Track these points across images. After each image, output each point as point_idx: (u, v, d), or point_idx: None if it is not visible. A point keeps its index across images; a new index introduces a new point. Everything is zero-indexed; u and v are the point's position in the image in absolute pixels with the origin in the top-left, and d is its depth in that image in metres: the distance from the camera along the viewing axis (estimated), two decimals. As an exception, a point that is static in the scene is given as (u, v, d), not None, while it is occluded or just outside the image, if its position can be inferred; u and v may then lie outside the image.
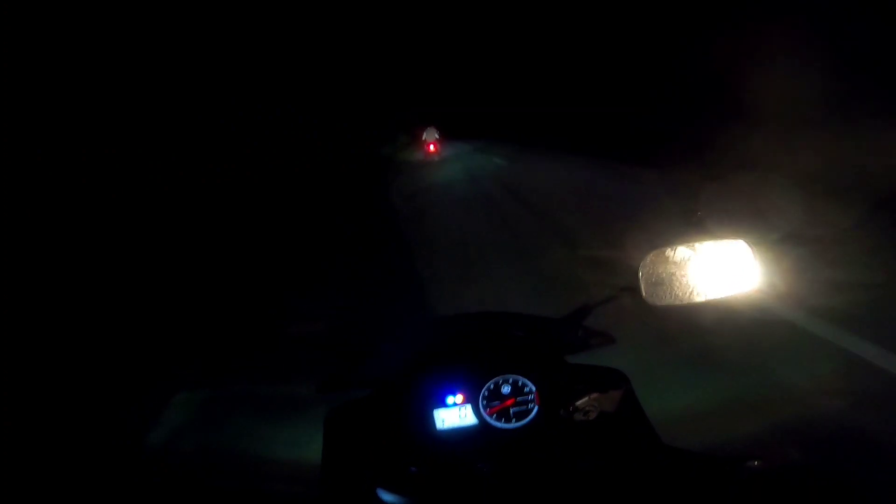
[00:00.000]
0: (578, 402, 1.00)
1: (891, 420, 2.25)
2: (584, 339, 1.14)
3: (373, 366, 1.11)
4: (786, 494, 0.78)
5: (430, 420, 0.98)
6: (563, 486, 0.88)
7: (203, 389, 2.83)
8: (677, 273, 1.03)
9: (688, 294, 1.03)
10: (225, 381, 2.88)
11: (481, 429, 0.98)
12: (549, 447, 0.95)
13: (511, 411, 0.99)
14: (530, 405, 0.99)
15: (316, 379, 1.07)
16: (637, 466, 0.90)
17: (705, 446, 2.13)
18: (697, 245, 1.03)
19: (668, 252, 1.04)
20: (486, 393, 1.00)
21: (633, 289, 1.04)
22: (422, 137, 16.05)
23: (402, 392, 1.03)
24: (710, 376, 2.67)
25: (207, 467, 2.18)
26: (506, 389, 1.01)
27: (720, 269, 1.03)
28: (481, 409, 0.99)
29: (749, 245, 1.04)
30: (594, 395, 1.02)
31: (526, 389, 1.00)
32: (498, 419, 0.98)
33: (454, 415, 0.99)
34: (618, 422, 1.00)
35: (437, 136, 15.92)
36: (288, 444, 2.12)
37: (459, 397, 1.00)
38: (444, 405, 1.00)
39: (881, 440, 2.11)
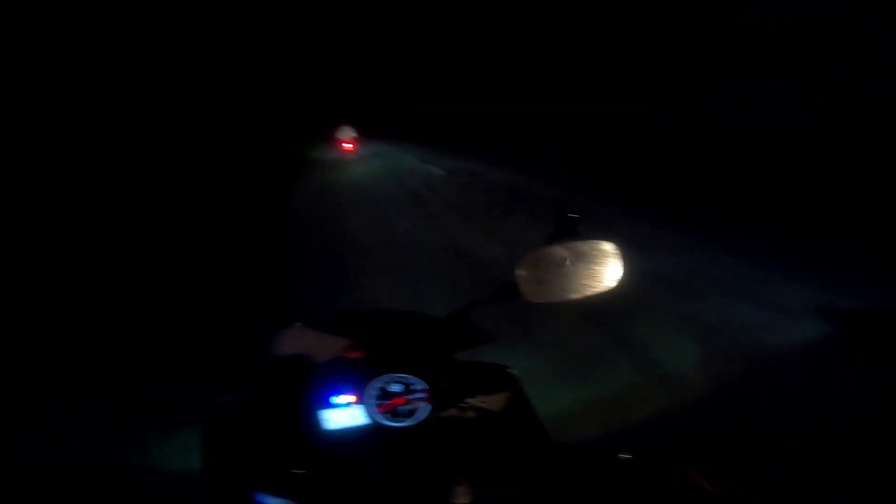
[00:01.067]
0: (469, 400, 1.01)
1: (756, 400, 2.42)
2: (471, 337, 1.16)
3: (255, 365, 1.09)
4: (659, 485, 0.81)
5: (317, 421, 0.97)
6: (450, 483, 0.88)
7: (77, 398, 2.69)
8: (554, 272, 1.13)
9: (564, 291, 1.13)
10: (99, 388, 2.75)
11: (371, 428, 0.97)
12: (440, 446, 0.95)
13: (401, 409, 0.99)
14: (421, 403, 0.98)
15: (197, 380, 1.04)
16: (524, 462, 0.91)
17: (593, 438, 2.21)
18: (571, 245, 1.14)
19: (545, 252, 1.13)
20: (376, 392, 1.00)
21: (515, 288, 1.10)
22: (335, 136, 15.68)
23: (287, 392, 1.02)
24: (596, 370, 2.79)
25: (83, 480, 2.10)
26: (396, 388, 1.00)
27: (592, 268, 1.15)
28: (370, 409, 0.98)
29: (616, 245, 1.15)
30: (484, 392, 1.03)
31: (416, 388, 1.00)
32: (388, 418, 0.98)
33: (343, 415, 0.98)
34: (507, 418, 1.01)
35: (353, 134, 15.51)
36: (169, 453, 2.06)
37: (348, 397, 0.99)
38: (333, 405, 0.99)
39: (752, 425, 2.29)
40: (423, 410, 0.98)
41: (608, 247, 1.15)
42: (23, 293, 4.48)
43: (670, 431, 2.31)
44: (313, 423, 0.97)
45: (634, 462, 0.83)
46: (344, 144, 15.20)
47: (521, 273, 1.10)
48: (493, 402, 1.02)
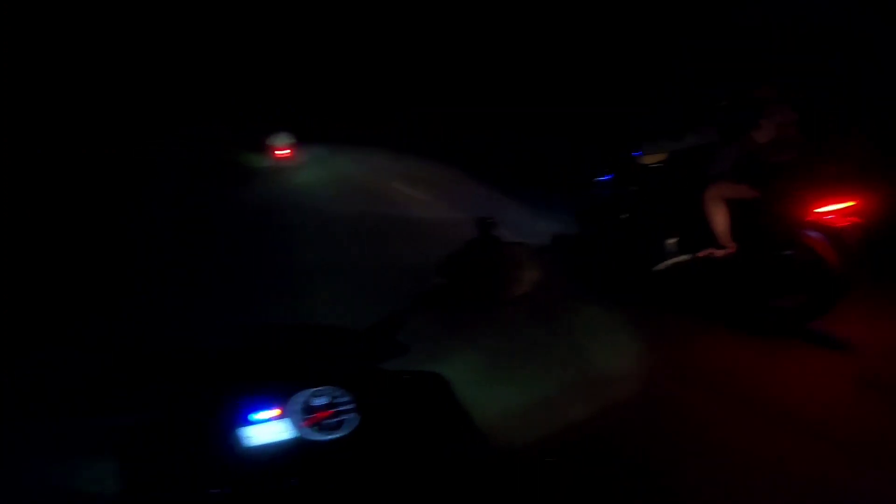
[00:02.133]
0: (400, 408, 1.01)
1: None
2: (398, 345, 1.16)
3: (169, 380, 1.07)
4: (581, 486, 0.82)
5: (236, 438, 0.96)
6: (382, 492, 0.87)
7: None
8: (474, 275, 1.12)
9: (486, 293, 1.14)
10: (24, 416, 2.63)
11: (297, 442, 0.96)
12: (372, 454, 0.94)
13: (329, 422, 0.97)
14: (349, 415, 0.97)
15: (107, 399, 1.02)
16: (455, 466, 0.91)
17: (529, 440, 2.21)
18: (489, 248, 1.10)
19: (463, 255, 1.10)
20: (301, 406, 0.98)
21: (438, 293, 1.08)
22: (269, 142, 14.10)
23: (207, 408, 1.00)
24: (531, 370, 2.86)
25: None
26: (322, 401, 1.01)
27: (509, 271, 1.14)
28: (295, 423, 0.97)
29: (530, 249, 1.09)
30: (415, 400, 1.03)
31: (343, 400, 0.99)
32: (316, 431, 0.96)
33: (266, 430, 0.97)
34: (439, 424, 1.01)
35: (289, 140, 14.11)
36: (81, 473, 1.95)
37: (272, 412, 0.98)
38: (254, 421, 0.97)
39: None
40: (351, 422, 0.96)
41: (523, 248, 1.12)
42: None
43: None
44: (231, 440, 0.94)
45: (561, 464, 0.83)
46: (277, 152, 14.04)
47: (440, 278, 1.07)
48: (425, 409, 1.01)
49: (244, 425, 0.95)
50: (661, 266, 3.80)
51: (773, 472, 2.09)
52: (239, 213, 8.03)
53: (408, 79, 17.84)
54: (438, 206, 7.48)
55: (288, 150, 14.13)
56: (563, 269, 3.96)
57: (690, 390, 2.72)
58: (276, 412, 0.96)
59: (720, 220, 3.61)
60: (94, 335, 3.43)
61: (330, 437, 0.95)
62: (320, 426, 0.96)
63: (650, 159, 4.07)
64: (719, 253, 3.63)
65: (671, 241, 3.88)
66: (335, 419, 0.97)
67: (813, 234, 3.29)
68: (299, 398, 0.98)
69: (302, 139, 14.09)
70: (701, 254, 3.72)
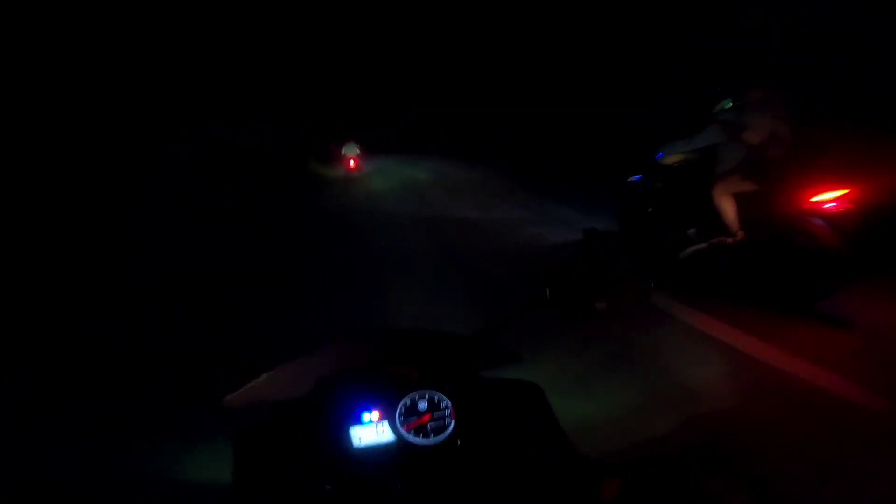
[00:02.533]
0: (494, 416, 1.01)
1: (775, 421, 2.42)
2: (497, 354, 1.15)
3: (284, 383, 1.08)
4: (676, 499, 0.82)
5: (346, 438, 0.96)
6: (478, 501, 0.88)
7: (104, 408, 2.62)
8: (581, 285, 1.09)
9: (594, 306, 1.09)
10: (128, 401, 2.69)
11: (398, 445, 0.97)
12: (466, 462, 0.95)
13: (428, 427, 0.98)
14: (447, 420, 0.98)
15: (225, 398, 1.04)
16: (548, 478, 0.91)
17: (620, 450, 2.23)
18: (594, 261, 1.13)
19: (571, 264, 1.11)
20: (403, 409, 0.99)
21: (543, 303, 1.09)
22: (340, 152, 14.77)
23: (316, 410, 1.01)
24: (622, 382, 2.81)
25: (112, 491, 2.04)
26: (422, 405, 1.00)
27: (620, 285, 1.12)
28: (398, 426, 0.98)
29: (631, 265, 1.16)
30: (509, 409, 1.04)
31: (442, 405, 1.00)
32: (415, 435, 0.97)
33: (370, 432, 0.98)
34: (533, 434, 1.01)
35: (357, 150, 14.75)
36: (197, 466, 1.99)
37: (375, 414, 0.99)
38: (360, 422, 0.99)
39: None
40: (450, 427, 0.98)
41: (629, 263, 1.15)
42: (27, 293, 4.48)
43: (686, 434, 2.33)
44: (342, 440, 0.97)
45: (655, 471, 0.83)
46: (350, 162, 14.63)
47: (545, 289, 1.09)
48: (519, 417, 1.03)
49: (353, 424, 0.97)
50: (685, 253, 4.25)
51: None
52: (323, 221, 7.80)
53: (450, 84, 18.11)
54: (505, 210, 7.89)
55: (355, 160, 14.47)
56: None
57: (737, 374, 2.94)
58: (377, 414, 0.98)
59: (729, 211, 3.98)
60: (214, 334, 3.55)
61: (430, 441, 0.96)
62: (421, 430, 0.97)
63: (670, 160, 4.55)
64: (730, 240, 4.02)
65: (692, 230, 4.30)
66: (435, 423, 0.98)
67: (814, 220, 3.57)
68: (403, 401, 1.00)
69: (368, 148, 14.38)
70: (714, 241, 4.10)
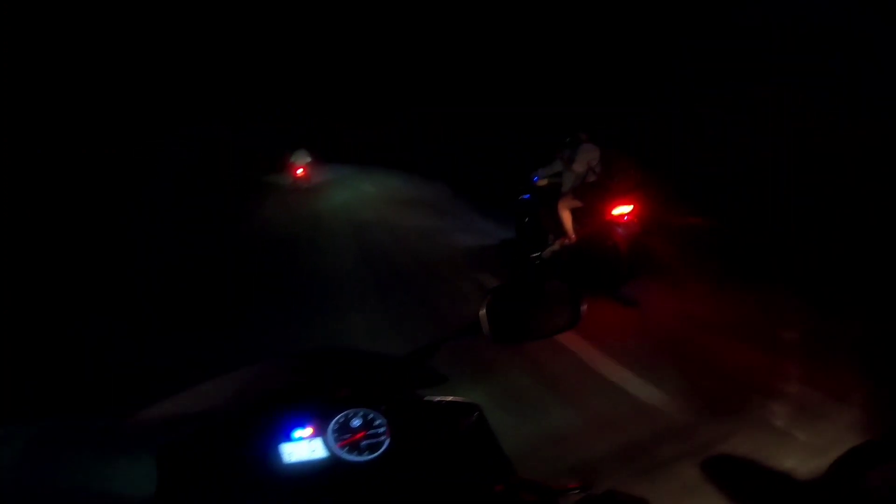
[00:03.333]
0: (431, 435, 1.01)
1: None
2: (433, 374, 1.16)
3: (212, 398, 1.07)
4: None
5: (276, 454, 0.95)
6: None
7: (24, 422, 2.60)
8: (518, 311, 1.14)
9: (530, 331, 1.15)
10: (48, 413, 2.64)
11: (331, 462, 0.96)
12: (400, 479, 0.94)
13: (361, 444, 0.98)
14: (381, 437, 0.98)
15: (151, 410, 1.03)
16: (486, 499, 0.91)
17: (559, 471, 2.25)
18: (534, 284, 1.18)
19: (509, 290, 1.14)
20: (336, 426, 0.99)
21: (477, 327, 1.12)
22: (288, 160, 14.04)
23: (246, 425, 1.00)
24: (561, 402, 2.94)
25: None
26: (356, 423, 1.00)
27: (554, 307, 1.16)
28: (331, 442, 0.97)
29: (574, 286, 1.18)
30: (447, 427, 1.03)
31: (377, 423, 1.00)
32: (349, 452, 0.97)
33: (302, 448, 0.97)
34: (471, 452, 1.01)
35: (308, 159, 13.88)
36: (118, 480, 1.94)
37: (308, 430, 0.99)
38: (291, 439, 0.98)
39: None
40: (384, 445, 0.97)
41: (566, 286, 1.18)
42: None
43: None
44: (272, 456, 0.96)
45: (591, 497, 0.83)
46: (297, 171, 13.80)
47: (482, 312, 1.10)
48: (455, 436, 1.03)
49: (283, 441, 0.96)
50: (547, 252, 5.75)
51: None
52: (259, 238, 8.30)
53: (408, 82, 17.85)
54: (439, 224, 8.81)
55: (304, 169, 13.65)
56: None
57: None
58: (310, 430, 0.97)
59: (567, 221, 5.47)
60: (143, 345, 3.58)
61: (363, 458, 0.95)
62: (354, 447, 0.97)
63: (541, 182, 6.04)
64: (567, 242, 5.53)
65: (550, 236, 5.79)
66: (369, 441, 0.97)
67: (615, 228, 4.96)
68: (337, 418, 0.99)
69: (318, 157, 13.85)
70: (557, 243, 5.65)
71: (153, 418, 1.03)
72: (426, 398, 1.09)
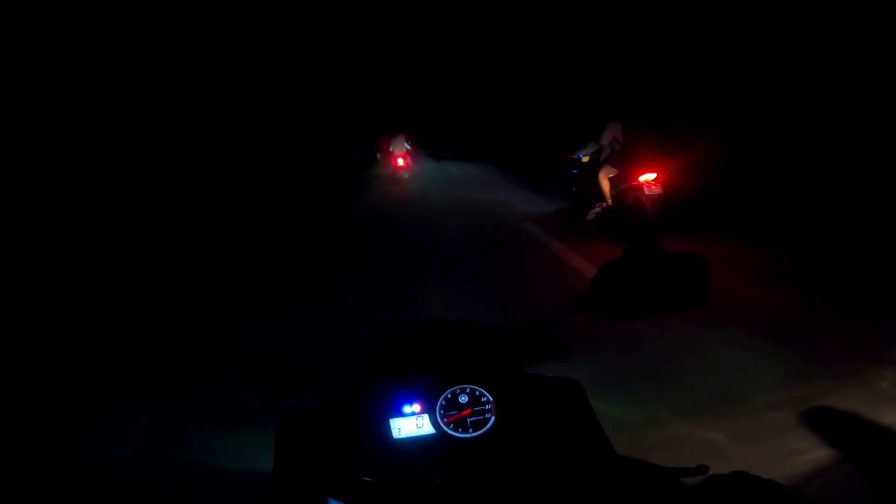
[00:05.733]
0: (534, 413, 1.01)
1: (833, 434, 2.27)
2: (541, 350, 1.15)
3: (327, 375, 1.10)
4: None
5: (386, 429, 0.98)
6: (516, 495, 0.88)
7: (147, 398, 2.64)
8: (632, 287, 1.00)
9: (643, 308, 1.04)
10: (170, 390, 2.72)
11: (438, 438, 0.98)
12: (506, 457, 0.95)
13: (468, 421, 0.99)
14: (487, 415, 0.99)
15: (268, 387, 1.06)
16: (588, 476, 0.91)
17: (658, 452, 2.20)
18: (651, 257, 1.01)
19: (622, 264, 1.00)
20: (444, 402, 1.01)
21: (589, 301, 1.03)
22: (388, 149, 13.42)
23: (357, 401, 1.03)
24: (664, 385, 2.75)
25: (152, 478, 2.02)
26: (463, 399, 1.01)
27: (675, 283, 1.01)
28: (438, 419, 0.99)
29: (700, 259, 1.02)
30: (550, 406, 1.03)
31: (483, 399, 1.01)
32: (455, 429, 0.98)
33: (411, 424, 1.00)
34: (572, 431, 1.01)
35: (406, 146, 13.23)
36: (238, 454, 1.93)
37: (416, 406, 1.01)
38: (401, 414, 1.00)
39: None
40: (490, 422, 0.99)
41: (696, 259, 1.03)
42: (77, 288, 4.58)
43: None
44: (382, 431, 0.99)
45: (718, 477, 0.79)
46: (398, 160, 13.00)
47: (595, 287, 1.01)
48: (558, 414, 1.04)
49: (393, 416, 0.98)
50: (591, 215, 6.93)
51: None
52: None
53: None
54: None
55: (404, 158, 12.89)
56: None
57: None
58: (419, 407, 0.99)
59: (605, 187, 6.64)
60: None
61: (469, 435, 0.97)
62: (460, 424, 0.98)
63: (584, 159, 7.25)
64: (606, 205, 6.70)
65: (592, 201, 6.96)
66: (475, 418, 0.99)
67: (641, 193, 5.96)
68: (445, 395, 1.01)
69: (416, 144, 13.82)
70: (598, 206, 6.82)
71: (270, 394, 1.08)
72: (531, 375, 1.10)
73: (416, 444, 0.98)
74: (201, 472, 1.96)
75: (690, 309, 1.02)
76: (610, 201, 6.58)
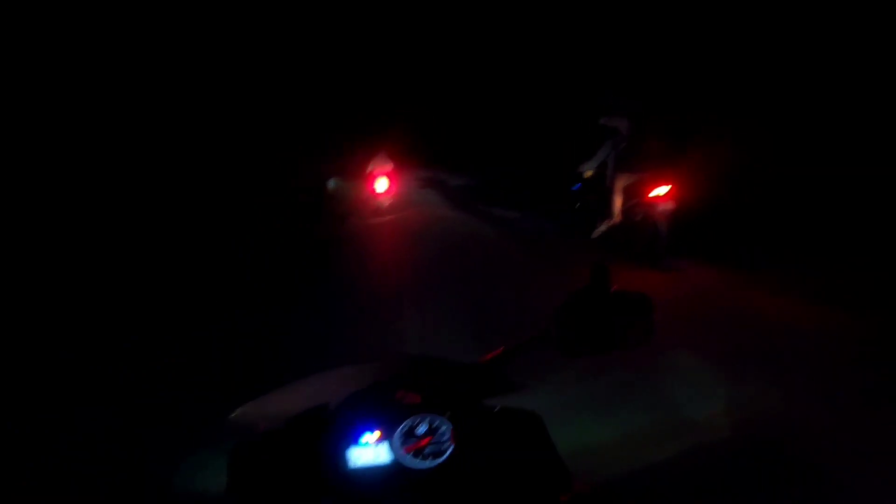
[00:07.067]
0: (493, 443, 1.03)
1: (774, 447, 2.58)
2: (500, 382, 1.18)
3: (287, 402, 1.10)
4: None
5: (344, 457, 0.99)
6: None
7: (102, 409, 2.69)
8: (590, 323, 1.13)
9: (595, 345, 1.15)
10: (123, 405, 2.75)
11: (396, 467, 0.98)
12: (464, 486, 0.97)
13: (426, 450, 1.00)
14: (445, 445, 1.00)
15: (225, 411, 1.07)
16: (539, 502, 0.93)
17: (618, 478, 2.31)
18: (603, 296, 1.14)
19: (580, 299, 1.14)
20: (402, 432, 1.01)
21: (549, 336, 1.14)
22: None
23: (315, 428, 1.04)
24: (621, 412, 2.92)
25: (101, 486, 2.07)
26: (421, 429, 1.02)
27: (624, 322, 1.15)
28: (396, 448, 1.00)
29: (646, 297, 1.16)
30: (508, 436, 1.06)
31: (442, 429, 1.02)
32: (414, 458, 0.99)
33: (369, 453, 1.00)
34: (530, 461, 1.03)
35: (389, 164, 9.08)
36: (190, 477, 2.02)
37: (375, 435, 1.02)
38: (359, 443, 1.01)
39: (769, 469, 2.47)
40: (448, 451, 0.99)
41: (640, 297, 1.16)
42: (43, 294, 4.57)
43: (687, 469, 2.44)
44: (340, 459, 0.99)
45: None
46: (377, 182, 8.80)
47: (553, 324, 1.12)
48: (517, 445, 1.05)
49: (351, 445, 0.99)
50: (596, 233, 6.41)
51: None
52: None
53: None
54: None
55: (385, 181, 8.81)
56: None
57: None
58: (377, 435, 1.00)
59: (616, 201, 6.07)
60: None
61: (427, 464, 0.98)
62: (419, 453, 0.99)
63: (588, 173, 6.65)
64: (614, 222, 6.17)
65: (598, 218, 6.43)
66: (433, 448, 1.00)
67: (653, 208, 5.54)
68: (403, 424, 1.02)
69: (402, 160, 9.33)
70: (605, 225, 6.29)
71: (228, 421, 1.08)
72: (490, 405, 1.12)
73: (373, 474, 0.97)
74: (155, 490, 1.94)
75: (638, 346, 1.15)
76: (619, 217, 6.08)
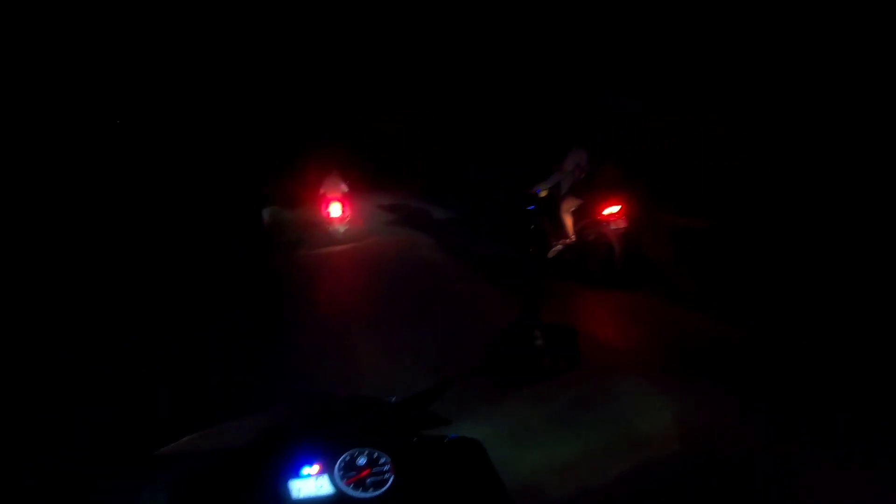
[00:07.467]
0: (435, 472, 1.05)
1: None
2: (436, 415, 1.24)
3: (225, 437, 1.11)
4: None
5: (285, 490, 0.99)
6: None
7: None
8: (518, 356, 1.22)
9: (529, 375, 1.23)
10: (59, 444, 2.66)
11: (338, 499, 0.99)
12: None
13: (367, 481, 1.01)
14: (386, 475, 1.01)
15: (163, 448, 1.06)
16: None
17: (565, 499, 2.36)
18: (538, 327, 1.24)
19: (509, 334, 1.23)
20: (343, 464, 1.03)
21: (483, 369, 1.20)
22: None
23: (256, 462, 1.05)
24: (570, 434, 2.94)
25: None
26: (361, 461, 1.04)
27: (554, 349, 1.24)
28: (338, 480, 1.01)
29: (571, 329, 1.26)
30: (450, 465, 1.08)
31: (382, 461, 1.03)
32: (355, 489, 1.00)
33: (310, 485, 1.01)
34: (472, 489, 1.05)
35: (343, 188, 8.32)
36: None
37: (316, 468, 1.03)
38: (300, 476, 1.02)
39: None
40: (389, 481, 1.01)
41: (567, 329, 1.26)
42: None
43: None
44: (281, 492, 0.99)
45: None
46: (331, 207, 8.05)
47: (487, 355, 1.19)
48: (458, 473, 1.07)
49: (292, 478, 1.00)
50: (552, 253, 6.49)
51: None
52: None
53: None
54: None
55: (339, 205, 8.07)
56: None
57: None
58: (317, 468, 1.02)
59: (567, 222, 6.19)
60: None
61: (368, 495, 1.00)
62: (360, 484, 1.01)
63: (542, 193, 6.68)
64: (568, 242, 6.28)
65: (552, 239, 6.51)
66: (374, 478, 1.02)
67: (605, 227, 5.59)
68: (343, 456, 1.04)
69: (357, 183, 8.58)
70: (560, 244, 6.39)
71: (169, 456, 1.08)
72: (429, 437, 1.14)
73: None
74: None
75: (566, 374, 1.22)
76: (573, 237, 6.19)
